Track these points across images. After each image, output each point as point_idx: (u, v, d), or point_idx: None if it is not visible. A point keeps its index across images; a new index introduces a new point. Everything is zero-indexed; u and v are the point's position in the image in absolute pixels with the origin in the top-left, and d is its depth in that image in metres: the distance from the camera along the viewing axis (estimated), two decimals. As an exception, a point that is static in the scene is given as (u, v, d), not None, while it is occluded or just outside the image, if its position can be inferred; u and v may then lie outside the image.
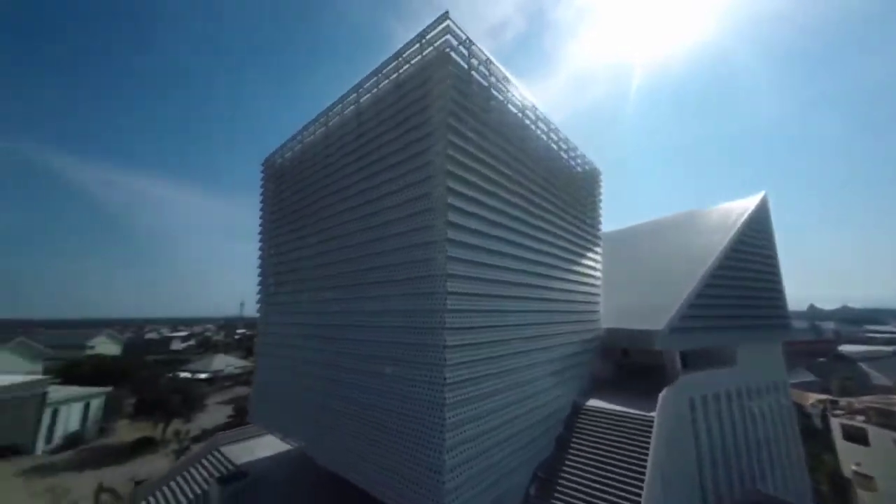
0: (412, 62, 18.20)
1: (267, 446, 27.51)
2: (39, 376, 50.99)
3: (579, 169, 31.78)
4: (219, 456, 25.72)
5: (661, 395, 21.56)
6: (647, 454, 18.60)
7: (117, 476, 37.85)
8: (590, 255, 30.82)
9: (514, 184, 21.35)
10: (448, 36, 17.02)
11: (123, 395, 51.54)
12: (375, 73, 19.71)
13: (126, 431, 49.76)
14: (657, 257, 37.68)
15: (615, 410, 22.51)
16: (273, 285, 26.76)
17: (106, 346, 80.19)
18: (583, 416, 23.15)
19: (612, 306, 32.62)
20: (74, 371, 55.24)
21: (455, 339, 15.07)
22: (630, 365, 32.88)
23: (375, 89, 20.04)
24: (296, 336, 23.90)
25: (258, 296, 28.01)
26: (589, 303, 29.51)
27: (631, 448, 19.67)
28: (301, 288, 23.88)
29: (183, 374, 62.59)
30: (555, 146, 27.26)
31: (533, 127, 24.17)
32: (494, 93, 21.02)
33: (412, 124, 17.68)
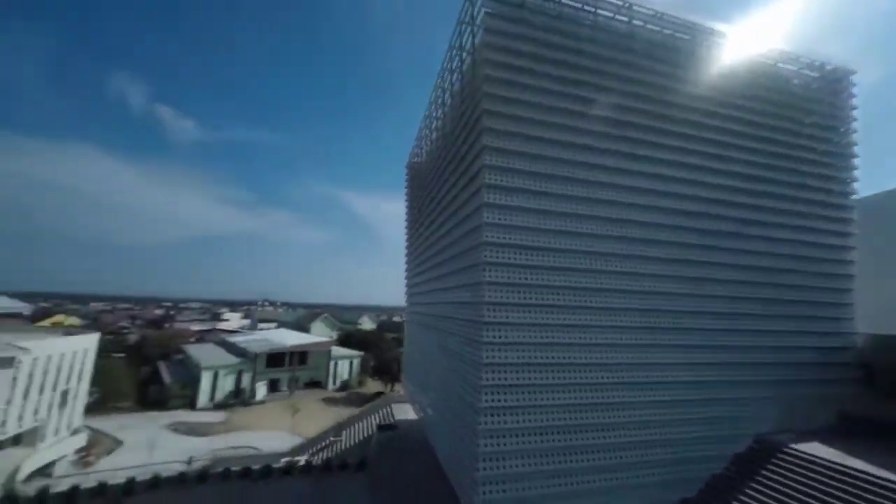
0: (465, 22, 17.08)
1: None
2: (331, 339, 77.00)
3: (797, 80, 20.30)
4: (388, 410, 31.97)
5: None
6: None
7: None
8: (820, 212, 18.87)
9: (628, 127, 16.21)
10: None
11: (370, 359, 71.14)
12: (450, 47, 19.49)
13: (370, 385, 68.43)
14: None
15: (843, 466, 12.85)
16: (412, 271, 30.95)
17: (367, 323, 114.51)
18: (778, 461, 14.46)
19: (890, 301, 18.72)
20: (347, 339, 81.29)
21: (496, 315, 13.15)
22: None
23: (450, 64, 19.92)
24: (418, 315, 26.76)
25: (405, 281, 33.03)
26: (816, 289, 18.07)
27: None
28: (419, 271, 26.60)
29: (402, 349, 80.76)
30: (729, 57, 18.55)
31: (677, 39, 17.50)
32: (586, 24, 16.67)
33: (469, 88, 16.68)
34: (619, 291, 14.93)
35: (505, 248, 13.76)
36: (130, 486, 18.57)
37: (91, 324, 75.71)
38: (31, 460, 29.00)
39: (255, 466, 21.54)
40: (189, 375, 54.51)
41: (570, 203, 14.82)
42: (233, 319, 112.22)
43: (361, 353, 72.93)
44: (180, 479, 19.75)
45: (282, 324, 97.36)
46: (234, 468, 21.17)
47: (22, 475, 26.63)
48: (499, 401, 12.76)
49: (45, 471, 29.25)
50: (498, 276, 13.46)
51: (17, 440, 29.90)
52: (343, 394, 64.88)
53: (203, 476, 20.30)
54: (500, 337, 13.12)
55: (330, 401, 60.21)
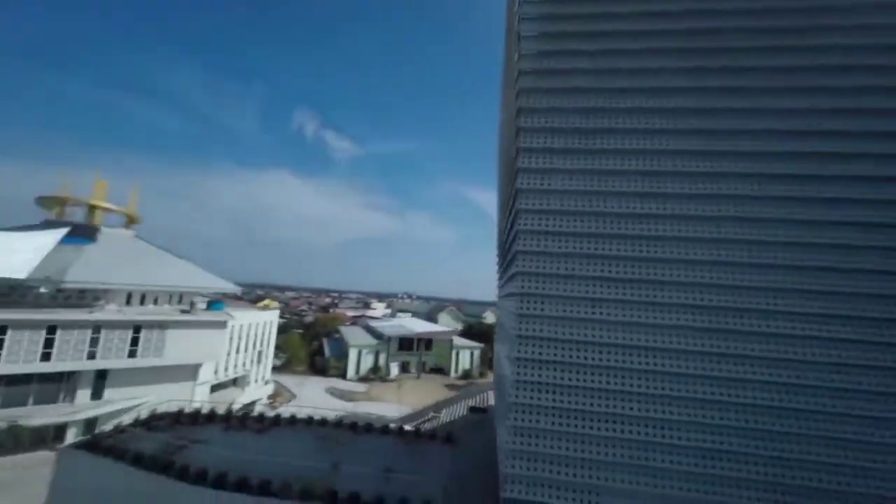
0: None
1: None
2: (454, 330, 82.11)
3: None
4: (483, 396, 32.66)
5: None
6: None
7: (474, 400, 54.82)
8: None
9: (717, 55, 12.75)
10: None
11: (488, 351, 72.95)
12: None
13: (490, 377, 70.00)
14: None
15: None
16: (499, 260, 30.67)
17: (490, 318, 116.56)
18: None
19: None
20: (469, 331, 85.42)
21: (530, 284, 12.21)
22: None
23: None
24: (505, 298, 26.31)
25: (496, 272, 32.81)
26: None
27: None
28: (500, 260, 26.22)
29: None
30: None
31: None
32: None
33: (514, 51, 15.88)
34: (712, 263, 11.97)
35: (542, 215, 12.76)
36: (277, 420, 24.71)
37: (284, 307, 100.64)
38: (241, 397, 41.21)
39: (361, 423, 25.60)
40: (342, 351, 66.94)
41: (627, 158, 12.60)
42: (378, 309, 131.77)
43: (481, 345, 75.33)
44: (308, 421, 25.10)
45: (415, 314, 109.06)
46: (345, 420, 25.62)
47: (236, 406, 38.27)
48: (531, 376, 11.91)
49: (248, 407, 41.07)
50: (533, 245, 12.60)
51: (234, 382, 43.09)
52: (463, 382, 68.32)
53: (323, 422, 25.26)
54: (536, 309, 12.29)
55: (450, 386, 64.39)
